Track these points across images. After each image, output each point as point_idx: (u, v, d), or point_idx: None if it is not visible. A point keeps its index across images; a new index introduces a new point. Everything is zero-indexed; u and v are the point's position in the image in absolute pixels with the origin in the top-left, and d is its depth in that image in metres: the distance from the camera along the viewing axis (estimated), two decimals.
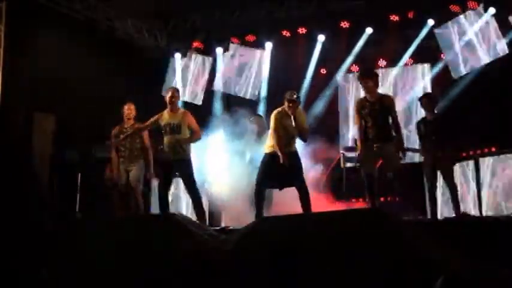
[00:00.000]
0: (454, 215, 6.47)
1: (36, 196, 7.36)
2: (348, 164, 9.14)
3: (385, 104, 6.01)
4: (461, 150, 7.20)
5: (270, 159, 6.07)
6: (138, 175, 7.02)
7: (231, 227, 5.93)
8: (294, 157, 6.07)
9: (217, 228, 5.84)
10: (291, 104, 6.04)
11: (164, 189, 6.47)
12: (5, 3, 8.01)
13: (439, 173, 6.52)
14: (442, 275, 2.43)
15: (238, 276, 4.33)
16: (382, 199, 7.33)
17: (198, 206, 6.37)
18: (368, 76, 6.07)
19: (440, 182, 6.81)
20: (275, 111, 6.20)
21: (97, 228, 5.36)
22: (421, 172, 6.88)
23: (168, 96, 6.56)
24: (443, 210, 7.61)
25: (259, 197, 6.03)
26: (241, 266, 4.38)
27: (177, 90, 6.75)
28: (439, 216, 6.68)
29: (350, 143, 9.75)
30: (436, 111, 6.70)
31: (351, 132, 9.95)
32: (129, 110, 7.16)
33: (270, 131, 6.19)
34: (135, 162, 7.04)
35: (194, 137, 6.53)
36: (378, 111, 5.97)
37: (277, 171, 5.99)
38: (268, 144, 6.21)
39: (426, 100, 6.70)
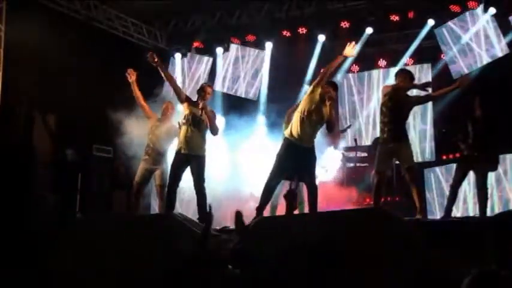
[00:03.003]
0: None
1: (36, 196, 7.35)
2: (348, 164, 9.14)
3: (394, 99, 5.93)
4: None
5: (286, 147, 5.81)
6: (167, 172, 6.85)
7: (231, 227, 5.92)
8: (310, 153, 5.84)
9: (218, 228, 5.83)
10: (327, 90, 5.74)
11: (173, 185, 6.35)
12: (5, 3, 8.01)
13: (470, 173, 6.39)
14: (471, 273, 2.35)
15: (238, 276, 4.33)
16: (382, 199, 7.32)
17: (202, 206, 6.27)
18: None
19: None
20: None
21: (97, 228, 5.37)
22: (421, 172, 6.84)
23: (202, 91, 6.42)
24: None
25: (269, 189, 5.82)
26: (242, 265, 4.38)
27: (210, 86, 6.64)
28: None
29: (350, 143, 9.77)
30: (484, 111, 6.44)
31: (350, 132, 9.96)
32: (171, 109, 7.15)
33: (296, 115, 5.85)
34: (159, 164, 6.96)
35: (212, 131, 6.43)
36: (390, 108, 5.94)
37: (290, 162, 5.76)
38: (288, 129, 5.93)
39: (478, 99, 6.48)
